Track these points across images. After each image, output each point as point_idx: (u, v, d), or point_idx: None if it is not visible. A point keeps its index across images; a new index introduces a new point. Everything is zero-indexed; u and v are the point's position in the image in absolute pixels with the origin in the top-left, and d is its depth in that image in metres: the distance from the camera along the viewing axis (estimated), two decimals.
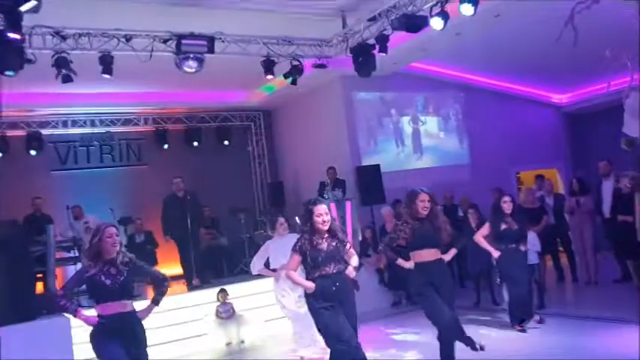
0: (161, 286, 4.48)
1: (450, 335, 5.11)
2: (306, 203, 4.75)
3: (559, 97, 15.33)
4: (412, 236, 5.16)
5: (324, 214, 4.55)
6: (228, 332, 8.08)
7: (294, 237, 5.17)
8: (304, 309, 6.51)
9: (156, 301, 4.44)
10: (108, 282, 4.13)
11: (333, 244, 4.58)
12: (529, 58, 11.54)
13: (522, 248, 6.85)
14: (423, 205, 5.16)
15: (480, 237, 6.92)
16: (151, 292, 4.66)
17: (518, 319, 6.84)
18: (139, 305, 4.51)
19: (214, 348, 8.01)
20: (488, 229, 6.88)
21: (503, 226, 6.77)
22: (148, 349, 4.40)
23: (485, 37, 10.21)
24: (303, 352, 6.70)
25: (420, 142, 13.05)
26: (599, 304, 7.85)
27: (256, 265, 6.92)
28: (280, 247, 6.41)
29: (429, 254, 5.16)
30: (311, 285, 4.52)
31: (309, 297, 4.61)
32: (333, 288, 4.50)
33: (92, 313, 4.33)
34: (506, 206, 6.79)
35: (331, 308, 4.49)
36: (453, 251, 5.43)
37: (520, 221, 6.92)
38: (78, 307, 4.32)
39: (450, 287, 5.28)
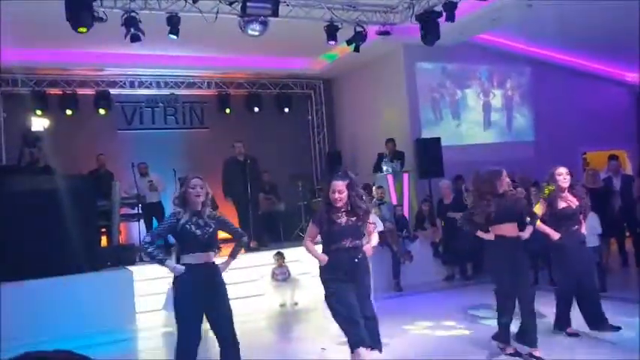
0: (240, 241, 4.67)
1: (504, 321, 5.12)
2: (327, 177, 4.72)
3: (633, 76, 14.64)
4: (494, 210, 5.05)
5: (337, 191, 4.49)
6: (283, 294, 8.24)
7: None
8: None
9: (233, 255, 4.63)
10: (198, 232, 4.25)
11: (353, 219, 4.52)
12: (603, 33, 11.03)
13: (583, 231, 5.76)
14: (506, 180, 5.15)
15: None
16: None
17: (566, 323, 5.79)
18: None
19: (269, 308, 8.18)
20: (542, 209, 5.70)
21: (562, 205, 5.63)
22: None
23: (557, 8, 9.84)
24: None
25: (490, 117, 12.82)
26: None
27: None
28: None
29: (509, 229, 5.08)
30: (323, 257, 4.53)
31: (321, 269, 4.61)
32: (347, 262, 4.48)
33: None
34: (562, 179, 5.61)
35: (341, 284, 4.44)
36: (530, 228, 5.21)
37: (583, 197, 5.82)
38: (164, 256, 4.39)
39: (527, 265, 5.27)
